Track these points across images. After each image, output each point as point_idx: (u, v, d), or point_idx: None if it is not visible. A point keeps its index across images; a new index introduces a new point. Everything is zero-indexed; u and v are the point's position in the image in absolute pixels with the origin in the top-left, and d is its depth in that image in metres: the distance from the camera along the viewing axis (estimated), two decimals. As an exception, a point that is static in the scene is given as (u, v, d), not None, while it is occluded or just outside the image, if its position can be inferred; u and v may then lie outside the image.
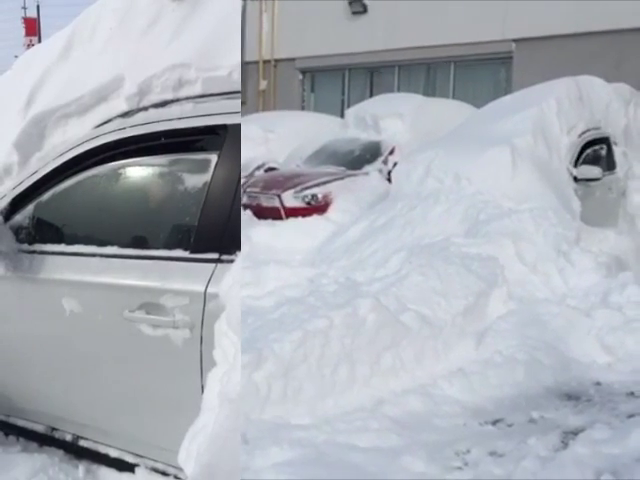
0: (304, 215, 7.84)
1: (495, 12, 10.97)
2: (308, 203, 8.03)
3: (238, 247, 2.75)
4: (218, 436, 2.43)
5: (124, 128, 3.11)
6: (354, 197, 8.11)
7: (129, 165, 3.16)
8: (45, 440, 3.55)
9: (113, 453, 3.33)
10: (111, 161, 3.16)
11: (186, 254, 2.91)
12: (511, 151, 6.86)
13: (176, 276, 2.87)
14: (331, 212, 7.88)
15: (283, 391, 3.97)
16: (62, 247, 3.24)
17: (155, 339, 2.89)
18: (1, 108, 3.47)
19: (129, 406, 3.16)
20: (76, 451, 3.47)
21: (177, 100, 3.01)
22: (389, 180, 8.10)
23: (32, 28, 19.77)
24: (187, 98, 3.00)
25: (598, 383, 4.64)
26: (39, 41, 17.62)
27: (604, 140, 7.71)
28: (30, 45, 18.44)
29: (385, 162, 8.97)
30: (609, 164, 7.69)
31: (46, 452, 3.59)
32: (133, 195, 3.24)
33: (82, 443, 3.44)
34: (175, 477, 3.12)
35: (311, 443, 3.63)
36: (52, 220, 3.35)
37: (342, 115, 11.48)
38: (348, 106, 12.27)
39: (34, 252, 3.30)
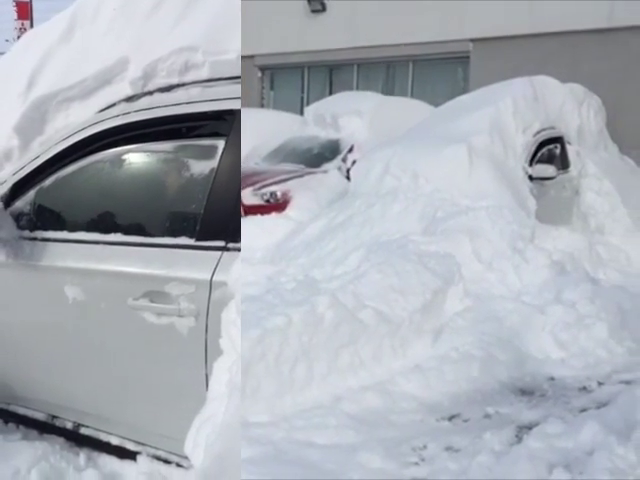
0: (263, 213, 7.82)
1: (453, 12, 11.06)
2: (267, 201, 8.02)
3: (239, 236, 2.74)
4: (229, 426, 2.36)
5: (129, 113, 3.02)
6: (313, 195, 8.11)
7: (134, 151, 3.08)
8: (45, 428, 3.50)
9: (114, 441, 3.30)
10: (115, 146, 3.08)
11: (192, 242, 2.86)
12: (468, 150, 6.93)
13: (181, 264, 2.82)
14: (290, 210, 7.87)
15: (241, 389, 3.95)
16: (64, 234, 3.16)
17: (159, 327, 2.86)
18: (2, 91, 3.34)
19: (131, 394, 3.14)
20: (77, 439, 3.43)
21: (183, 84, 2.94)
22: (348, 178, 8.13)
23: (24, 12, 19.20)
24: (194, 82, 2.93)
25: (552, 378, 4.72)
26: (31, 25, 17.00)
27: (558, 139, 7.83)
28: (22, 29, 17.84)
29: (344, 160, 8.99)
30: (563, 163, 7.82)
31: (47, 440, 3.54)
32: (137, 181, 3.16)
33: (83, 431, 3.39)
34: (177, 465, 3.09)
35: (269, 440, 3.63)
36: (54, 206, 3.26)
37: (301, 113, 11.47)
38: (307, 104, 12.26)
39: (35, 239, 3.22)
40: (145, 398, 3.09)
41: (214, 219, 2.80)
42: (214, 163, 2.82)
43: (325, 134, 9.67)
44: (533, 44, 10.16)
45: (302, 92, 13.76)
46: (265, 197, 8.04)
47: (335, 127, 9.71)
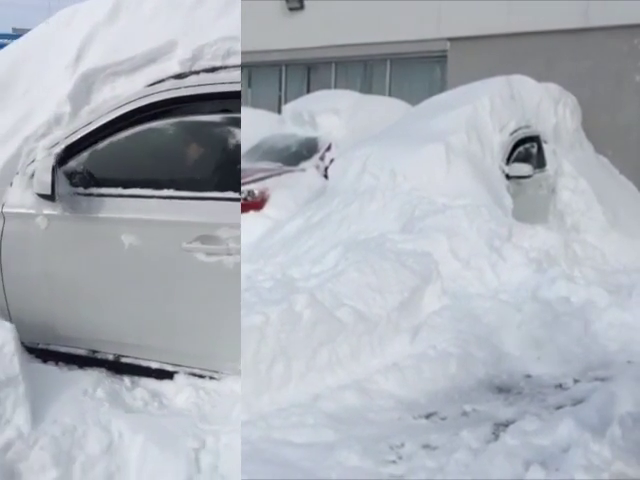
0: (241, 211, 7.78)
1: (430, 11, 11.08)
2: (245, 199, 7.98)
3: None
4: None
5: (179, 88, 3.45)
6: (291, 193, 8.09)
7: (184, 120, 3.51)
8: (86, 362, 3.75)
9: (154, 365, 3.71)
10: (167, 117, 3.47)
11: (236, 195, 3.42)
12: (445, 148, 6.95)
13: (229, 212, 3.38)
14: (268, 208, 7.85)
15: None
16: (120, 190, 3.50)
17: (208, 264, 3.37)
18: (43, 60, 3.65)
19: (176, 323, 3.55)
20: (118, 368, 3.74)
21: (225, 67, 3.43)
22: (326, 176, 8.12)
23: None
24: (234, 66, 3.45)
25: (528, 376, 4.76)
26: None
27: (535, 138, 7.88)
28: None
29: (322, 158, 8.98)
30: (539, 162, 7.87)
31: (89, 372, 3.74)
32: (188, 145, 3.62)
33: (124, 360, 3.74)
34: (210, 378, 3.62)
35: (246, 440, 3.61)
36: (108, 166, 3.58)
37: (279, 111, 11.44)
38: (285, 102, 12.23)
39: (91, 195, 3.53)
40: (187, 325, 3.53)
41: None
42: None
43: (303, 132, 9.65)
44: (510, 43, 10.21)
45: (280, 90, 13.72)
46: (243, 195, 8.01)
47: (313, 125, 9.70)
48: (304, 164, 8.88)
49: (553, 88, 8.44)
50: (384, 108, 9.89)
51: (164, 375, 3.70)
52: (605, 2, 9.28)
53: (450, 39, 11.12)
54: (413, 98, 10.17)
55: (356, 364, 4.56)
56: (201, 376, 3.66)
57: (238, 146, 3.47)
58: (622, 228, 7.54)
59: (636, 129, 9.06)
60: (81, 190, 3.58)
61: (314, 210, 7.03)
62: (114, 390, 3.58)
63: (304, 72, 13.55)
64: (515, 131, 7.65)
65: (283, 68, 13.64)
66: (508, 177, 7.36)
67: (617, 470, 3.10)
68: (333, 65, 12.94)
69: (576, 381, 4.66)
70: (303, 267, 5.76)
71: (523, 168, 7.47)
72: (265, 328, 4.24)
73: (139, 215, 3.48)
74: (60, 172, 3.48)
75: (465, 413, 4.18)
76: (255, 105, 11.89)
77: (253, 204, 7.91)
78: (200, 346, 3.58)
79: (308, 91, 12.77)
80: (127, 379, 3.73)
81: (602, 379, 4.59)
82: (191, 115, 3.50)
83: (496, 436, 3.74)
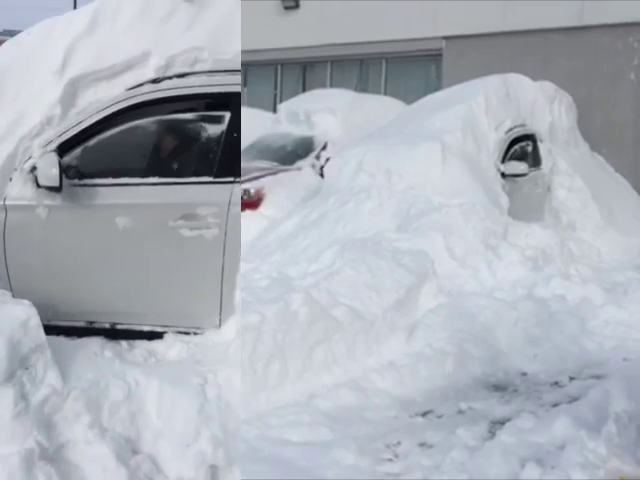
0: (236, 210, 7.78)
1: (425, 10, 11.09)
2: (240, 198, 7.98)
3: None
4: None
5: (156, 91, 4.02)
6: (287, 192, 8.09)
7: (163, 118, 4.07)
8: (85, 332, 4.12)
9: (146, 328, 4.15)
10: (147, 116, 4.03)
11: (211, 179, 3.99)
12: (441, 147, 6.96)
13: (207, 193, 3.95)
14: (264, 207, 7.85)
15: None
16: (111, 180, 3.99)
17: (191, 238, 3.95)
18: (27, 68, 4.11)
19: (164, 290, 4.06)
20: (114, 334, 4.14)
21: (193, 73, 4.01)
22: (322, 175, 8.12)
23: None
24: (200, 72, 4.02)
25: (524, 373, 4.77)
26: None
27: (530, 137, 7.90)
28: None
29: (318, 157, 8.98)
30: (535, 160, 7.88)
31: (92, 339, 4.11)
32: (169, 139, 4.19)
33: (119, 327, 4.17)
34: (194, 333, 4.12)
35: (243, 438, 3.62)
36: (100, 160, 4.07)
37: (275, 110, 11.44)
38: (281, 101, 12.23)
39: (86, 185, 3.98)
40: (175, 291, 4.05)
41: (226, 163, 3.99)
42: (223, 127, 4.00)
43: (298, 131, 9.65)
44: (505, 42, 10.23)
45: (275, 89, 13.73)
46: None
47: (308, 124, 9.69)
48: (300, 163, 8.89)
49: (548, 86, 8.45)
50: (380, 107, 9.89)
51: (155, 336, 4.15)
52: (600, 1, 9.30)
53: (445, 38, 11.13)
54: (409, 97, 10.18)
55: (352, 363, 4.56)
56: (186, 333, 4.15)
57: (210, 138, 4.02)
58: (617, 226, 7.57)
59: (631, 127, 9.10)
60: (76, 182, 3.98)
61: (310, 209, 7.03)
62: (117, 351, 4.03)
63: (300, 71, 13.56)
64: (510, 129, 7.66)
65: (279, 67, 13.65)
66: (504, 175, 7.38)
67: (613, 467, 3.11)
68: (329, 64, 12.95)
69: (572, 379, 4.67)
70: (299, 266, 5.77)
71: (519, 166, 7.49)
72: (261, 327, 4.24)
73: (130, 200, 3.96)
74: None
75: (461, 411, 4.18)
76: (251, 104, 11.87)
77: (249, 203, 7.91)
78: (184, 307, 4.11)
79: (304, 90, 12.77)
80: (124, 342, 4.14)
81: (598, 377, 4.60)
82: (167, 114, 4.07)
83: (492, 434, 3.75)
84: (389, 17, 11.51)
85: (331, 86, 12.53)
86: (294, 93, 12.29)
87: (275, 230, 6.99)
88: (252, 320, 4.25)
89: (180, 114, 4.07)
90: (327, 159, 8.41)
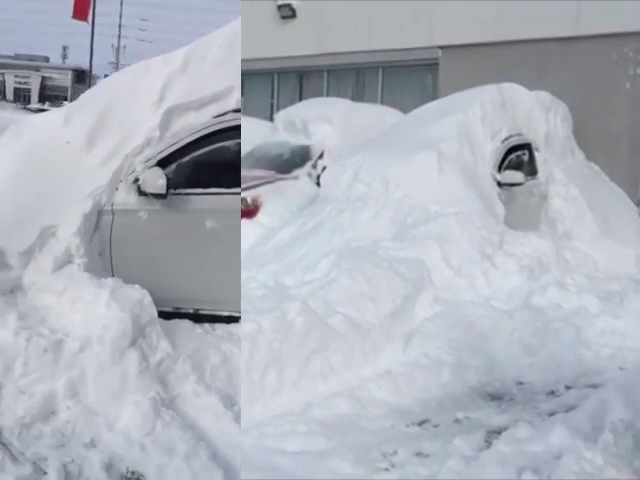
0: (233, 219, 7.79)
1: (422, 20, 11.14)
2: (237, 207, 7.99)
3: None
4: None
5: (238, 118, 4.89)
6: (283, 201, 8.09)
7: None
8: (171, 316, 4.69)
9: (225, 314, 4.80)
10: (230, 138, 4.87)
11: None
12: (437, 156, 6.98)
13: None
14: (260, 216, 7.84)
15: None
16: (200, 190, 4.81)
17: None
18: (126, 101, 4.94)
19: (227, 278, 4.70)
20: (197, 319, 4.77)
21: None
22: (318, 184, 8.12)
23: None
24: None
25: (521, 383, 4.77)
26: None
27: (526, 146, 7.92)
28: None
29: (314, 166, 8.99)
30: (531, 169, 7.91)
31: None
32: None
33: (201, 312, 4.83)
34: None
35: (240, 448, 3.61)
36: (191, 173, 4.85)
37: (271, 119, 11.45)
38: (278, 110, 12.24)
39: (179, 194, 4.78)
40: (232, 279, 4.73)
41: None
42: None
43: (295, 140, 9.66)
44: (501, 52, 10.27)
45: (272, 98, 13.75)
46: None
47: (305, 133, 9.71)
48: (297, 172, 8.89)
49: (544, 96, 8.48)
50: (376, 116, 9.91)
51: (232, 320, 4.77)
52: (595, 10, 9.35)
53: (442, 47, 11.18)
54: (405, 106, 10.20)
55: (349, 372, 4.56)
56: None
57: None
58: (613, 235, 7.58)
59: (627, 136, 9.13)
60: (172, 191, 4.74)
61: (307, 218, 7.03)
62: (205, 329, 4.71)
63: (296, 80, 13.59)
64: (506, 139, 7.69)
65: (275, 76, 13.68)
66: (500, 184, 7.40)
67: (609, 477, 3.11)
68: (325, 73, 12.98)
69: (568, 388, 4.67)
70: (296, 275, 5.76)
71: (515, 175, 7.50)
72: (258, 336, 4.24)
73: (216, 206, 4.78)
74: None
75: (458, 420, 4.18)
76: (248, 113, 11.86)
77: (246, 212, 7.90)
78: (228, 292, 4.72)
79: (300, 99, 12.80)
80: (207, 325, 4.77)
81: (594, 386, 4.61)
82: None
83: (489, 443, 3.75)
84: (386, 27, 11.56)
85: (328, 95, 12.56)
86: (291, 102, 12.31)
87: (272, 239, 6.99)
88: (248, 329, 4.25)
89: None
90: (324, 168, 8.42)
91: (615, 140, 9.18)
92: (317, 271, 5.66)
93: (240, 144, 4.95)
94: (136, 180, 4.71)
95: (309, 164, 9.05)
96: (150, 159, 4.77)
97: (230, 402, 4.07)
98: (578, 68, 9.54)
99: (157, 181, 4.63)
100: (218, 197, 4.80)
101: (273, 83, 13.76)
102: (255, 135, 10.01)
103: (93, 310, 4.13)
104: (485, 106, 7.67)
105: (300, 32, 12.76)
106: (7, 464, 3.33)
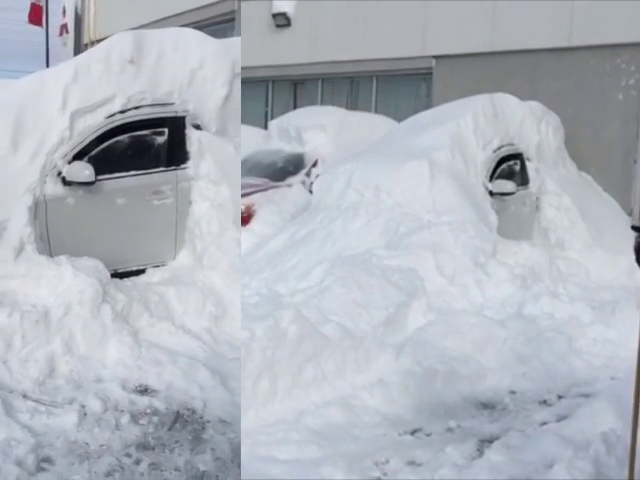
0: (226, 226, 7.78)
1: (416, 29, 11.19)
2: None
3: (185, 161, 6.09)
4: None
5: (123, 118, 5.79)
6: (277, 209, 8.10)
7: (132, 134, 5.85)
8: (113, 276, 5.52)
9: (134, 269, 5.88)
10: (122, 133, 5.78)
11: (164, 168, 5.96)
12: (430, 165, 6.99)
13: (164, 177, 5.93)
14: (254, 224, 7.84)
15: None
16: (108, 175, 5.70)
17: (159, 205, 5.90)
18: (34, 107, 5.62)
19: (143, 240, 5.85)
20: (120, 276, 5.60)
21: (142, 106, 5.88)
22: (312, 192, 8.13)
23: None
24: (146, 105, 5.92)
25: (513, 392, 4.77)
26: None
27: (518, 156, 7.95)
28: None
29: (308, 174, 9.00)
30: (523, 179, 7.93)
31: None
32: (137, 147, 5.90)
33: (119, 271, 5.66)
34: (162, 265, 6.03)
35: (231, 456, 3.61)
36: (102, 163, 5.65)
37: (266, 126, 11.47)
38: (272, 118, 12.27)
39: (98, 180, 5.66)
40: (149, 241, 5.90)
41: (170, 158, 5.98)
42: (165, 137, 5.97)
43: (289, 148, 9.68)
44: (494, 62, 10.31)
45: (266, 106, 13.77)
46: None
47: (299, 141, 9.72)
48: (290, 180, 8.90)
49: (536, 106, 8.52)
50: (370, 124, 9.94)
51: (140, 272, 5.81)
52: (588, 22, 9.40)
53: (435, 57, 11.22)
54: (399, 115, 10.23)
55: (341, 380, 4.56)
56: (157, 266, 5.92)
57: (160, 144, 5.96)
58: (606, 245, 7.60)
59: (619, 147, 9.16)
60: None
61: (299, 226, 7.04)
62: (130, 281, 5.62)
63: (291, 88, 13.62)
64: (498, 148, 7.72)
65: (270, 84, 13.71)
66: (491, 194, 7.42)
67: (601, 486, 3.12)
68: (320, 81, 13.02)
69: (560, 397, 4.69)
70: (289, 283, 5.77)
71: (506, 185, 7.52)
72: (250, 344, 4.24)
73: (127, 185, 5.77)
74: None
75: (450, 429, 4.19)
76: (242, 121, 11.90)
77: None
78: (155, 250, 5.93)
79: (294, 107, 12.82)
80: (126, 280, 5.60)
81: (586, 395, 4.62)
82: (132, 132, 5.86)
83: (481, 452, 3.75)
84: (380, 36, 11.61)
85: (322, 103, 12.59)
86: (285, 110, 12.34)
87: (265, 246, 7.00)
88: (241, 337, 4.24)
89: (140, 131, 5.90)
90: (317, 176, 8.43)
91: (607, 150, 9.21)
92: (310, 279, 5.67)
93: (132, 137, 5.84)
94: (59, 173, 5.49)
95: (303, 172, 9.06)
96: (66, 155, 5.58)
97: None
98: (571, 79, 9.58)
99: (84, 172, 5.49)
100: (123, 179, 5.79)
101: (267, 91, 13.79)
102: (249, 143, 10.02)
103: (59, 283, 4.94)
104: (477, 116, 7.70)
105: (295, 41, 12.80)
106: (53, 410, 4.03)
